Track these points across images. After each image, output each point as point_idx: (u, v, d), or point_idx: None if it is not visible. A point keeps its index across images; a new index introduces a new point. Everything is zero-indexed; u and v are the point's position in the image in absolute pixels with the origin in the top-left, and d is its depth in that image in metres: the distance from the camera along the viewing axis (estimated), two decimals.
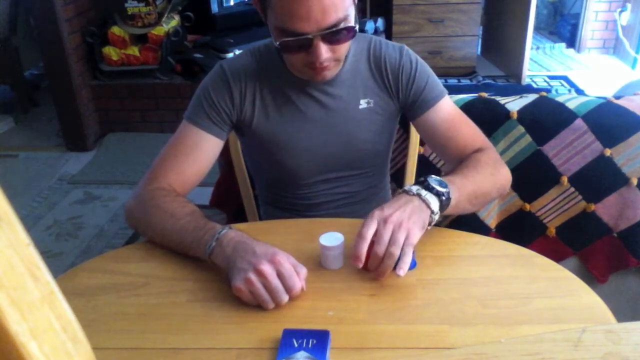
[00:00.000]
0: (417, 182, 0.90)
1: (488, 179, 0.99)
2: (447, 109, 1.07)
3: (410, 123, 1.17)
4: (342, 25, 0.91)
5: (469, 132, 1.07)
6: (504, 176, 1.03)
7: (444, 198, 0.87)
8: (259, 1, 0.95)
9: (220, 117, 1.04)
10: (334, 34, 0.91)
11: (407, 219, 0.82)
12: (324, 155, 1.09)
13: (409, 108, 1.09)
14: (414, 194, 0.86)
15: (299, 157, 1.08)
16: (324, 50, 0.92)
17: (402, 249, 0.80)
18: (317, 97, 1.05)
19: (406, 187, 0.89)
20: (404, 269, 0.80)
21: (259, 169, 1.20)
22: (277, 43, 0.93)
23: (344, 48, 0.97)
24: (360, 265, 0.82)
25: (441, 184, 0.88)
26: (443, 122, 1.06)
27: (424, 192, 0.87)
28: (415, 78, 1.06)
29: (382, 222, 0.82)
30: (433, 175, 0.90)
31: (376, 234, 0.82)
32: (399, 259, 0.80)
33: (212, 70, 1.07)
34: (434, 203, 0.86)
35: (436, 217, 0.87)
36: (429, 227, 0.87)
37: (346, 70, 1.05)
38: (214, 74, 1.06)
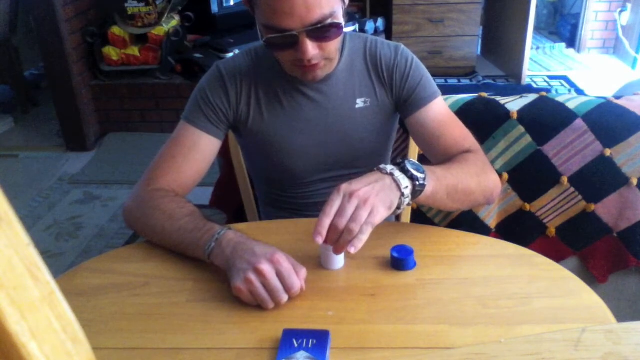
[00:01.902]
0: (393, 163, 0.87)
1: (472, 178, 0.96)
2: (439, 109, 1.06)
3: (404, 122, 1.16)
4: (328, 22, 0.90)
5: (458, 134, 1.06)
6: (492, 181, 1.00)
7: (417, 183, 0.84)
8: (248, 1, 0.96)
9: (217, 117, 1.04)
10: (320, 31, 0.91)
11: (374, 195, 0.80)
12: (321, 154, 1.09)
13: (401, 106, 1.08)
14: (387, 173, 0.84)
15: (295, 157, 1.08)
16: (311, 47, 0.92)
17: (361, 227, 0.78)
18: (313, 96, 1.06)
19: (381, 166, 0.86)
20: (356, 247, 0.77)
21: (257, 169, 1.20)
22: (264, 40, 0.93)
23: (332, 46, 0.96)
24: (321, 241, 0.79)
25: (418, 169, 0.86)
26: (432, 121, 1.05)
27: (397, 173, 0.84)
28: (409, 76, 1.06)
29: (348, 196, 0.79)
30: (412, 159, 0.88)
31: (340, 207, 0.79)
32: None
33: (209, 71, 1.07)
34: (406, 185, 0.83)
35: (406, 201, 0.84)
36: (398, 211, 0.84)
37: (342, 69, 1.05)
38: (211, 74, 1.06)
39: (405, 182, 0.83)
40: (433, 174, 0.89)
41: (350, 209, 0.79)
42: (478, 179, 0.97)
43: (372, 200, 0.79)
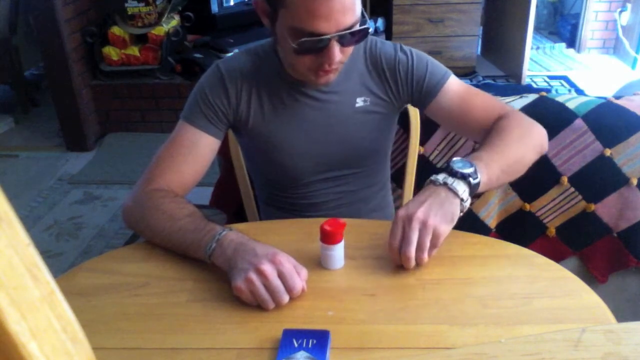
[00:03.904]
0: (442, 169, 0.87)
1: (518, 144, 0.95)
2: (455, 87, 1.05)
3: (424, 112, 1.13)
4: (357, 27, 0.91)
5: (485, 102, 1.04)
6: (538, 134, 0.99)
7: (472, 180, 0.84)
8: (267, 1, 0.93)
9: (216, 117, 1.04)
10: (350, 35, 0.91)
11: (432, 215, 0.81)
12: (321, 154, 1.09)
13: (416, 99, 1.08)
14: (440, 184, 0.85)
15: (295, 157, 1.08)
16: (337, 52, 0.92)
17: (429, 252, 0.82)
18: (313, 96, 1.05)
19: (432, 177, 0.87)
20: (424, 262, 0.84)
21: (257, 168, 1.20)
22: (295, 44, 0.90)
23: (351, 50, 0.97)
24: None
25: (465, 165, 0.85)
26: (454, 101, 1.04)
27: (450, 180, 0.84)
28: (414, 68, 1.05)
29: (407, 221, 0.82)
30: (457, 158, 0.87)
31: (403, 234, 0.82)
32: None
33: (208, 70, 1.07)
34: (462, 190, 0.83)
35: (467, 204, 0.85)
36: (461, 214, 0.85)
37: (342, 69, 1.05)
38: (210, 73, 1.06)
39: (460, 187, 0.84)
40: (480, 161, 0.88)
41: (413, 235, 0.81)
42: (523, 141, 0.96)
43: (432, 221, 0.81)
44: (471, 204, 0.87)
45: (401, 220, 0.83)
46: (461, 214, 0.85)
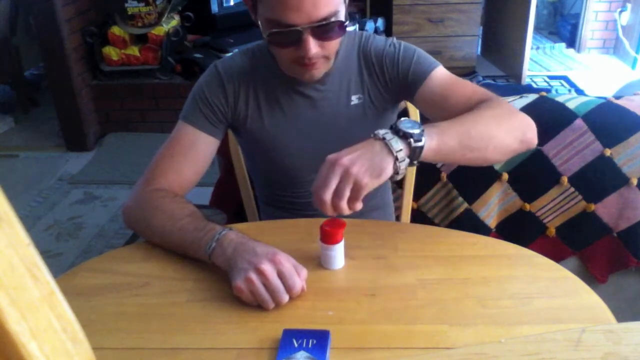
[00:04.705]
0: (390, 126, 0.83)
1: (489, 120, 0.89)
2: (442, 76, 1.02)
3: (414, 104, 1.11)
4: (332, 20, 0.90)
5: (468, 88, 1.01)
6: (519, 121, 0.92)
7: (412, 141, 0.79)
8: None
9: (215, 116, 1.04)
10: (324, 29, 0.91)
11: (358, 165, 0.77)
12: (319, 153, 1.08)
13: (403, 90, 1.06)
14: (379, 138, 0.80)
15: (294, 156, 1.09)
16: (313, 45, 0.92)
17: (347, 204, 0.78)
18: (310, 95, 1.06)
19: (376, 130, 0.82)
20: (341, 212, 0.79)
21: (257, 168, 1.20)
22: (267, 34, 0.92)
23: (333, 45, 0.97)
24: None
25: (413, 126, 0.80)
26: (437, 87, 1.01)
27: (389, 136, 0.79)
28: (400, 58, 1.04)
29: (331, 165, 0.78)
30: (407, 119, 0.83)
31: (324, 176, 0.78)
32: None
33: (206, 70, 1.07)
34: (399, 148, 0.78)
35: (403, 165, 0.79)
36: (397, 176, 0.80)
37: (337, 67, 1.05)
38: (208, 73, 1.06)
39: (397, 145, 0.79)
40: (435, 127, 0.83)
41: (333, 179, 0.77)
42: (497, 120, 0.90)
43: (356, 170, 0.77)
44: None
45: (327, 164, 0.79)
46: (397, 175, 0.80)
